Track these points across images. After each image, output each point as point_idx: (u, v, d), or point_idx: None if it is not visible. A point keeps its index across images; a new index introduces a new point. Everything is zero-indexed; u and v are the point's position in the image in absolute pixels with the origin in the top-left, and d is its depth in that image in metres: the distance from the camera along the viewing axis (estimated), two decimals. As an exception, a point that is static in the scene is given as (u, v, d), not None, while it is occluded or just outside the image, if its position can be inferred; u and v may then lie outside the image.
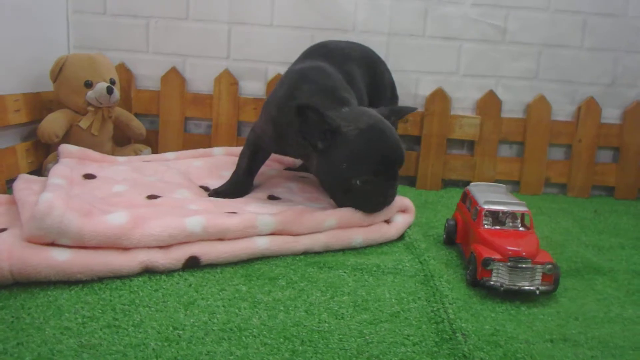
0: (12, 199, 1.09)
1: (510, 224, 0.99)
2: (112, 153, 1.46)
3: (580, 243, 1.20)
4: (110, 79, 1.40)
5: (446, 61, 1.60)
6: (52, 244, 0.83)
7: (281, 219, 0.99)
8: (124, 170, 1.24)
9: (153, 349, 0.67)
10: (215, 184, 1.27)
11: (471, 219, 1.02)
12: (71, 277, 0.80)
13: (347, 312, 0.80)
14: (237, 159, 1.35)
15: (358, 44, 1.41)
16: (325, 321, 0.76)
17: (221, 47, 1.57)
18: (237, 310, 0.78)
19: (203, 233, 0.92)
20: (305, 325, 0.75)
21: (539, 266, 0.88)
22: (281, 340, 0.71)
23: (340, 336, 0.73)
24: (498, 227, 0.97)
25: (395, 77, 1.58)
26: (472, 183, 1.15)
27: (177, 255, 0.89)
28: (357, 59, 1.33)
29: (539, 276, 0.89)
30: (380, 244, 1.09)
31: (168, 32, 1.57)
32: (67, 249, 0.82)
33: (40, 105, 1.39)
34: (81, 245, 0.83)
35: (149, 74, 1.57)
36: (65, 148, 1.28)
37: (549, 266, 0.88)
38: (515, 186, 1.66)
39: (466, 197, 1.10)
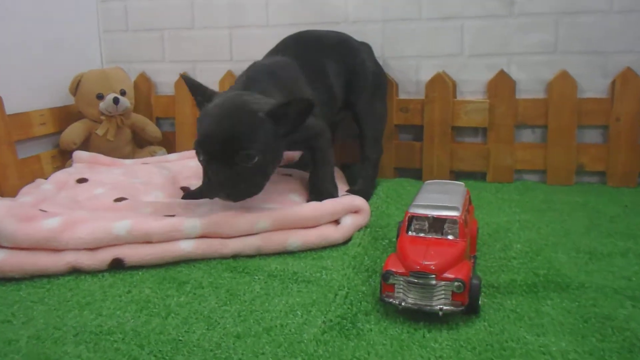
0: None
1: (439, 232, 0.85)
2: (133, 155, 1.58)
3: (569, 249, 0.99)
4: (121, 90, 1.51)
5: (447, 43, 1.44)
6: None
7: (208, 222, 0.98)
8: (116, 174, 1.34)
9: (22, 346, 0.72)
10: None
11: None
12: (5, 274, 0.90)
13: (223, 322, 0.77)
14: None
15: (336, 32, 1.36)
16: (192, 331, 0.75)
17: (224, 50, 1.60)
18: (121, 314, 0.80)
19: (128, 236, 0.96)
20: (169, 334, 0.74)
21: (444, 283, 0.76)
22: (134, 346, 0.72)
23: (194, 348, 0.71)
24: (422, 235, 0.85)
25: (394, 64, 1.48)
26: (428, 181, 1.03)
27: (102, 257, 0.94)
28: (332, 48, 1.30)
29: (445, 294, 0.76)
30: (324, 248, 1.03)
31: (179, 42, 1.64)
32: (3, 250, 0.92)
33: (67, 116, 1.55)
34: (17, 247, 0.92)
35: (166, 80, 1.66)
36: (77, 154, 1.42)
37: (457, 283, 0.75)
38: (542, 175, 1.44)
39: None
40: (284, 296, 0.85)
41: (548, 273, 0.89)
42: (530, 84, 1.40)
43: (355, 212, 1.07)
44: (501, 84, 1.40)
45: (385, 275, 0.78)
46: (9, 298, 0.86)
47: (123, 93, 1.52)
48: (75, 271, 0.94)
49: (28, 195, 1.21)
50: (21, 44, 1.41)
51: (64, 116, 1.54)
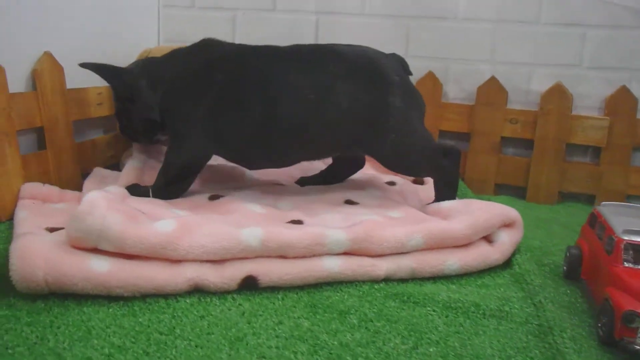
0: (79, 197, 0.99)
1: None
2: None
3: None
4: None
5: (565, 51, 1.28)
6: (94, 251, 0.69)
7: (355, 237, 0.77)
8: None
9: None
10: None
11: (603, 251, 0.74)
12: (110, 291, 0.66)
13: (434, 371, 0.57)
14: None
15: (367, 52, 0.98)
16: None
17: (308, 38, 1.39)
18: (291, 355, 0.58)
19: (261, 248, 0.73)
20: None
21: None
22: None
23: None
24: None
25: (503, 70, 1.31)
26: (604, 203, 0.85)
27: (231, 273, 0.71)
28: (340, 66, 0.93)
29: None
30: (481, 272, 0.84)
31: (254, 24, 1.42)
32: (107, 259, 0.68)
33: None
34: (123, 253, 0.69)
35: (233, 68, 1.43)
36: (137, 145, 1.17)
37: None
38: (652, 203, 1.29)
39: (595, 221, 0.81)
40: (484, 336, 0.65)
41: None
42: (652, 103, 1.26)
43: (508, 225, 0.89)
44: (622, 101, 1.26)
45: (629, 317, 0.61)
46: (126, 325, 0.62)
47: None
48: (197, 290, 0.71)
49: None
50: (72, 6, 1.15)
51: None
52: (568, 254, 0.84)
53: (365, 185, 1.10)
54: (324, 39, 1.38)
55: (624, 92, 1.26)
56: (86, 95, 1.16)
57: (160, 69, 1.02)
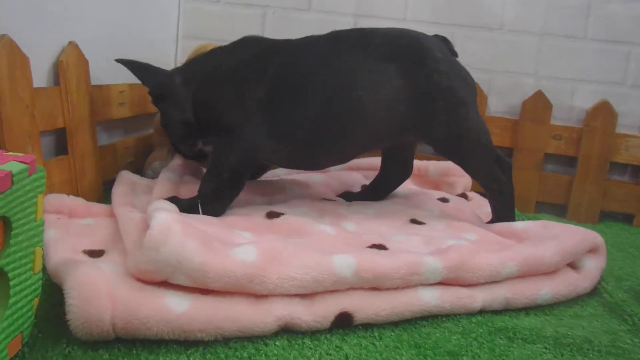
0: (111, 210, 0.86)
1: None
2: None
3: None
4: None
5: (610, 69, 1.25)
6: (165, 284, 0.57)
7: (451, 265, 0.68)
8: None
9: None
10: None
11: None
12: (189, 335, 0.54)
13: None
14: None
15: (407, 31, 0.91)
16: None
17: (343, 42, 1.30)
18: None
19: (355, 279, 0.63)
20: None
21: None
22: None
23: None
24: None
25: (547, 84, 1.26)
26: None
27: (323, 310, 0.61)
28: (382, 47, 0.87)
29: None
30: (569, 301, 0.77)
31: (286, 24, 1.31)
32: (185, 296, 0.56)
33: (145, 97, 1.16)
34: (203, 287, 0.57)
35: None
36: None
37: None
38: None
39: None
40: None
41: None
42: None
43: (593, 251, 0.82)
44: (665, 121, 1.23)
45: None
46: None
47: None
48: (284, 329, 0.60)
49: (128, 204, 0.84)
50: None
51: (142, 98, 1.16)
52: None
53: (420, 203, 1.01)
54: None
55: (666, 112, 1.23)
56: (109, 93, 1.02)
57: (197, 66, 0.92)
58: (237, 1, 1.32)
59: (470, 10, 1.25)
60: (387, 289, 0.65)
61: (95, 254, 0.69)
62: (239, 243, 0.64)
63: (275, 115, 0.85)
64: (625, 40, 1.23)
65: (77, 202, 0.84)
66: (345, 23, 1.29)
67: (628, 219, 1.27)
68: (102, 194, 0.98)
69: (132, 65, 0.92)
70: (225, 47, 0.95)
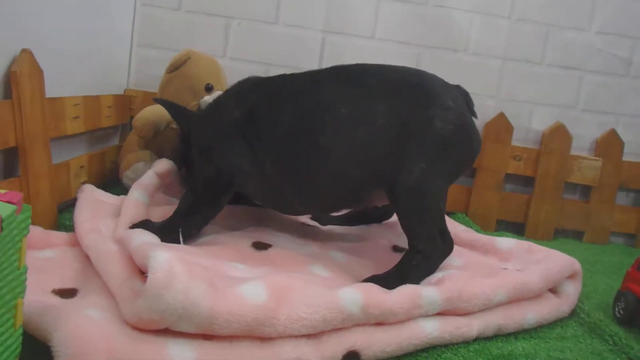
0: (72, 239, 0.78)
1: None
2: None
3: None
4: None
5: (565, 93, 1.33)
6: (166, 332, 0.52)
7: (448, 296, 0.69)
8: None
9: None
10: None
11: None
12: (198, 389, 0.50)
13: None
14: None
15: (424, 72, 0.84)
16: None
17: (312, 57, 1.28)
18: None
19: (362, 315, 0.62)
20: None
21: None
22: None
23: None
24: None
25: (507, 106, 1.32)
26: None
27: (332, 350, 0.59)
28: (383, 87, 0.80)
29: None
30: (552, 324, 0.80)
31: (251, 37, 1.27)
32: (189, 344, 0.52)
33: (100, 111, 1.08)
34: (209, 334, 0.53)
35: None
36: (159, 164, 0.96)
37: None
38: (630, 239, 1.38)
39: (647, 267, 0.81)
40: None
41: None
42: (634, 146, 1.35)
43: (571, 276, 0.86)
44: (611, 143, 1.34)
45: None
46: None
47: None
48: (292, 373, 0.57)
49: (95, 230, 0.76)
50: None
51: (97, 111, 1.07)
52: (622, 299, 0.83)
53: (395, 224, 1.01)
54: (330, 60, 1.29)
55: (612, 135, 1.33)
56: (63, 106, 0.93)
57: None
58: (200, 9, 1.26)
59: (438, 31, 1.29)
60: (391, 323, 0.64)
61: (67, 293, 0.62)
62: (239, 278, 0.60)
63: (247, 140, 0.82)
64: (578, 66, 1.32)
65: (33, 231, 0.75)
66: (314, 38, 1.28)
67: (578, 235, 1.36)
68: (57, 218, 0.88)
69: (169, 105, 0.94)
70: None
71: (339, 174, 0.79)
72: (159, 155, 1.07)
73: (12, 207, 0.41)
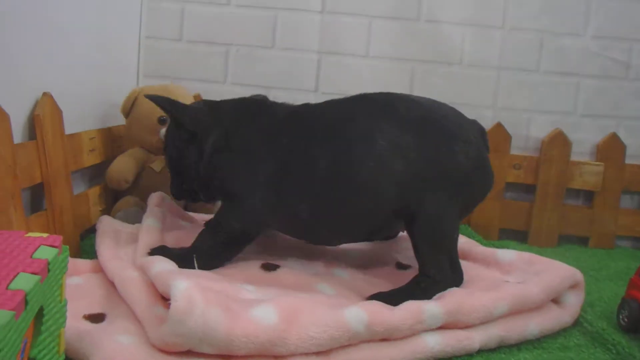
0: (96, 266, 0.86)
1: None
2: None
3: None
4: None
5: (562, 99, 1.40)
6: (188, 354, 0.60)
7: (449, 309, 0.76)
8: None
9: None
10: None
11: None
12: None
13: None
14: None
15: (445, 105, 0.91)
16: None
17: (309, 78, 1.37)
18: None
19: (368, 333, 0.69)
20: None
21: None
22: None
23: None
24: None
25: (505, 116, 1.39)
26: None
27: (339, 365, 0.66)
28: (411, 119, 0.85)
29: None
30: (554, 334, 0.85)
31: (250, 62, 1.36)
32: (206, 363, 0.59)
33: (112, 142, 1.17)
34: (227, 354, 0.60)
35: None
36: (153, 198, 1.04)
37: None
38: (637, 242, 1.43)
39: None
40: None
41: None
42: (636, 149, 1.41)
43: (573, 286, 0.92)
44: (613, 147, 1.39)
45: None
46: None
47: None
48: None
49: (116, 257, 0.85)
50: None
51: (111, 142, 1.16)
52: (626, 307, 0.89)
53: (399, 241, 1.09)
54: (326, 80, 1.37)
55: (614, 139, 1.39)
56: (80, 141, 1.02)
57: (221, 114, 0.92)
58: (200, 39, 1.35)
59: (431, 46, 1.37)
60: (396, 339, 0.71)
61: (96, 318, 0.70)
62: (251, 300, 0.68)
63: (281, 190, 0.84)
64: (575, 72, 1.39)
65: (61, 262, 0.84)
66: (310, 59, 1.36)
67: (583, 241, 1.42)
68: (79, 246, 0.97)
69: (162, 101, 0.91)
70: (240, 106, 0.93)
71: (377, 207, 0.83)
72: (145, 195, 1.08)
73: (55, 251, 0.49)
